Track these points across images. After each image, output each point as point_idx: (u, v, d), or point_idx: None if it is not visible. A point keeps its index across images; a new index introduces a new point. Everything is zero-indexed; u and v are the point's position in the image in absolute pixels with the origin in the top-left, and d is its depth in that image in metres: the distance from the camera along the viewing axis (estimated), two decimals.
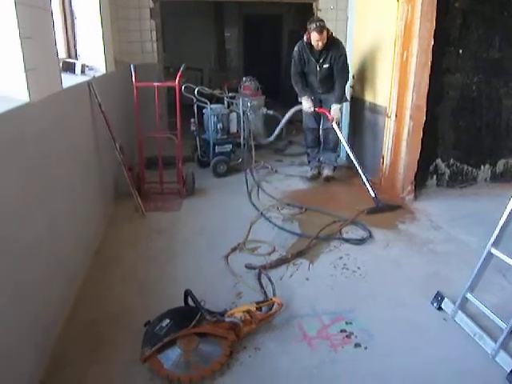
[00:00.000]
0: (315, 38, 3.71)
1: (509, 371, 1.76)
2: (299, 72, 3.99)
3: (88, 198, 2.81)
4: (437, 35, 3.27)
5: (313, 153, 4.33)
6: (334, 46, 3.84)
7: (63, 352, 1.91)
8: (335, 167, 4.30)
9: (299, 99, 4.08)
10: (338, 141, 4.19)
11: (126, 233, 3.09)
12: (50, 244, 1.99)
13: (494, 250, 2.00)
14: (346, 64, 3.91)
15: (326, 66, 3.87)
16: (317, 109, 3.99)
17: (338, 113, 3.93)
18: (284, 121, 4.42)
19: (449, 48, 3.56)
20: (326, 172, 4.22)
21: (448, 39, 3.53)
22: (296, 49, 3.96)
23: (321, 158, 4.32)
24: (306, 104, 3.99)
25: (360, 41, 4.36)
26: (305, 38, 3.84)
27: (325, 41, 3.73)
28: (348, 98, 4.28)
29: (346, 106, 4.79)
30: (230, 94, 4.80)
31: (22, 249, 1.67)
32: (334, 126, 3.93)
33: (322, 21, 3.68)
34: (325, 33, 3.69)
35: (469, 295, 2.08)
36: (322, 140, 4.30)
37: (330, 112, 3.92)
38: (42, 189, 1.93)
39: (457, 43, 3.56)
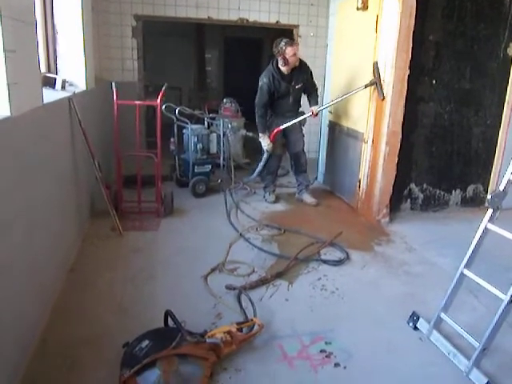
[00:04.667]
0: (292, 52, 3.69)
1: None
2: (266, 104, 3.91)
3: (63, 214, 2.73)
4: (412, 66, 3.43)
5: (272, 178, 4.33)
6: (301, 66, 3.96)
7: (35, 376, 1.82)
8: (308, 186, 4.36)
9: (260, 134, 4.02)
10: (307, 161, 4.29)
11: (103, 251, 3.01)
12: (24, 259, 1.92)
13: (466, 271, 2.08)
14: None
15: (298, 86, 3.95)
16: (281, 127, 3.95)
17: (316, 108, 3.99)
18: (261, 164, 4.28)
19: (423, 78, 3.72)
20: (310, 200, 4.25)
21: (422, 70, 3.69)
22: (265, 80, 3.85)
23: (298, 181, 4.37)
24: (266, 142, 3.99)
25: (339, 67, 4.53)
26: (276, 62, 3.86)
27: (297, 60, 3.80)
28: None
29: (324, 130, 4.94)
30: (210, 115, 4.84)
31: None
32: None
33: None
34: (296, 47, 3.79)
35: (443, 315, 2.14)
36: (292, 164, 4.34)
37: (311, 110, 3.97)
38: (18, 203, 1.87)
39: (431, 74, 3.73)
